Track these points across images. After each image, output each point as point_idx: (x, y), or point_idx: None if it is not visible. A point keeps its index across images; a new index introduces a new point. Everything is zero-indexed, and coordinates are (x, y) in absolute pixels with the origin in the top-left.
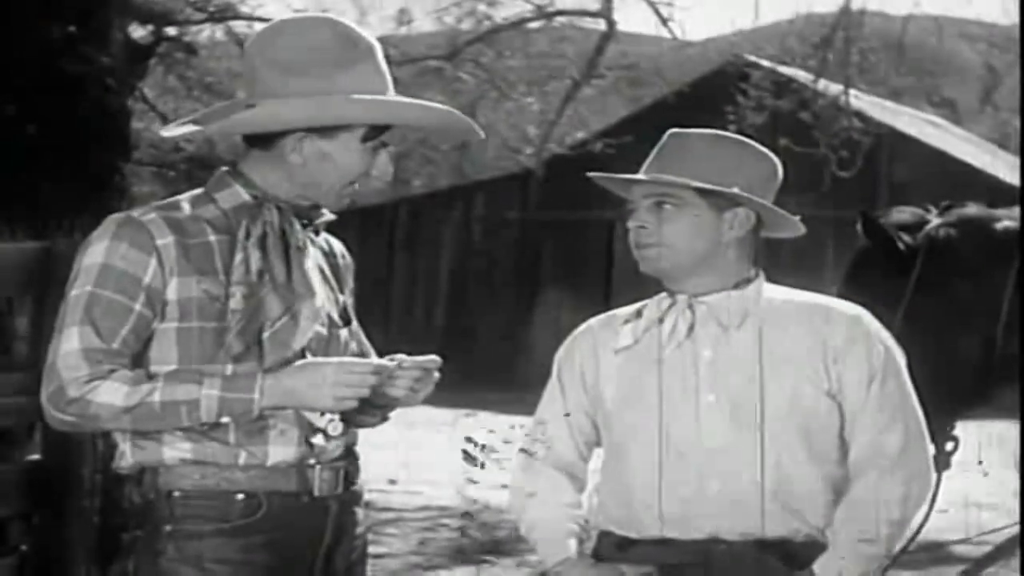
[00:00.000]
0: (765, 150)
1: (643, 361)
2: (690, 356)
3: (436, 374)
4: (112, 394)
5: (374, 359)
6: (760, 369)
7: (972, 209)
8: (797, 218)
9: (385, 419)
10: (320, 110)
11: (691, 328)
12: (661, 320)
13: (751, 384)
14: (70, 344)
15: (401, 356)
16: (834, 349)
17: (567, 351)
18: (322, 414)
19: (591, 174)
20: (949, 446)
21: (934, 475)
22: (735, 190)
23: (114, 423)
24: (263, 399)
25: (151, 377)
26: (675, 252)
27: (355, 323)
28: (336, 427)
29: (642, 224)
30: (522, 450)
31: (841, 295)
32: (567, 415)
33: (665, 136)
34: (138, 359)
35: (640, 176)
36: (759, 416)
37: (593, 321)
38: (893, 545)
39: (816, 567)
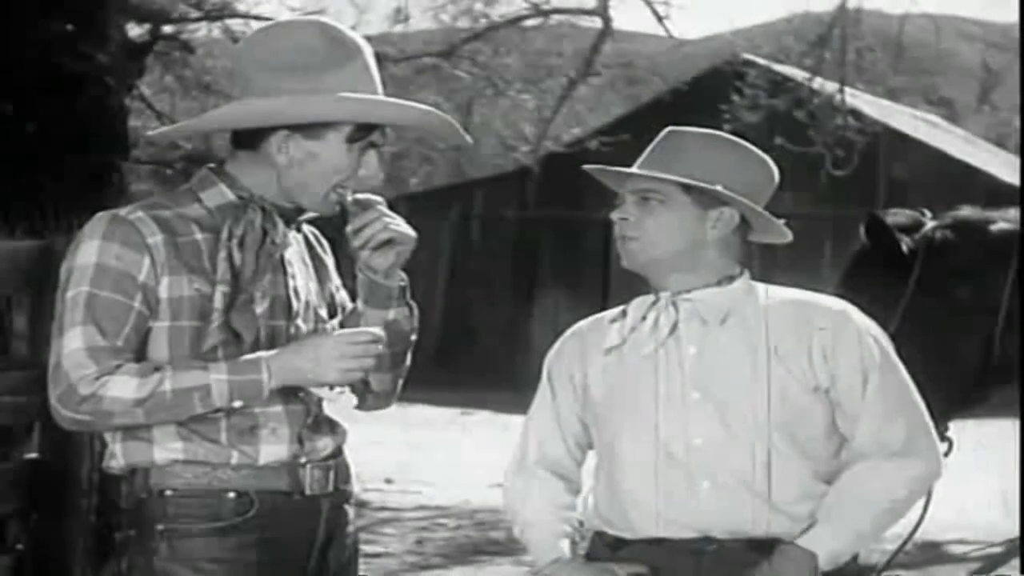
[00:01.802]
0: (762, 154)
1: (630, 360)
2: (675, 354)
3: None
4: (123, 388)
5: (372, 328)
6: (744, 366)
7: (967, 211)
8: (782, 222)
9: (414, 311)
10: (299, 107)
11: (675, 326)
12: (645, 318)
13: (736, 381)
14: (74, 344)
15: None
16: (822, 346)
17: (556, 354)
18: (331, 388)
19: (586, 166)
20: (943, 448)
21: (943, 458)
22: (717, 187)
23: (127, 418)
24: (271, 379)
25: (157, 368)
26: (655, 246)
27: (360, 306)
28: (337, 399)
29: (625, 216)
30: (515, 452)
31: (838, 295)
32: (558, 417)
33: (662, 133)
34: (138, 358)
35: (622, 169)
36: (745, 413)
37: (581, 323)
38: (884, 529)
39: (803, 540)
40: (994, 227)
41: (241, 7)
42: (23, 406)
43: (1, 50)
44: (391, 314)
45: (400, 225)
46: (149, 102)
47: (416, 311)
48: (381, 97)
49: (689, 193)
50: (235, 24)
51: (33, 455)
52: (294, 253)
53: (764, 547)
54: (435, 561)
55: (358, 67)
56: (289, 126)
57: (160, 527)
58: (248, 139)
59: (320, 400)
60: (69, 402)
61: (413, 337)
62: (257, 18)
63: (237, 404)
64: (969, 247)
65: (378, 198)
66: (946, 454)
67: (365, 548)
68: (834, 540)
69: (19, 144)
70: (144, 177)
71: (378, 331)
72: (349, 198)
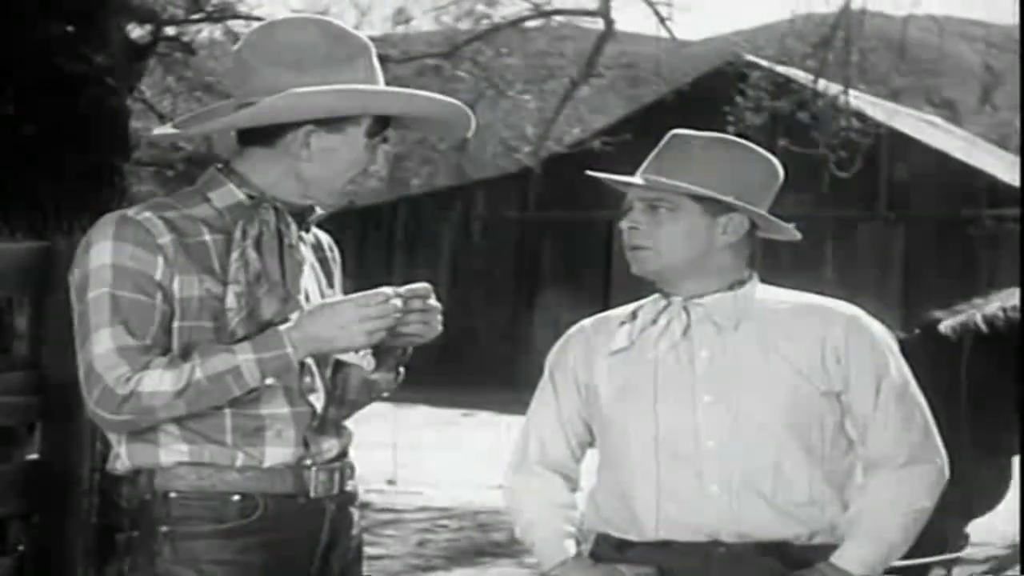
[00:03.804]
0: (766, 154)
1: (639, 362)
2: (686, 357)
3: (433, 300)
4: (159, 382)
5: (383, 289)
6: (756, 370)
7: (931, 314)
8: (791, 225)
9: (400, 375)
10: (340, 100)
11: (686, 329)
12: (656, 321)
13: (748, 385)
14: (104, 345)
15: (389, 289)
16: (834, 350)
17: (559, 352)
18: (357, 351)
19: (590, 172)
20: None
21: (946, 460)
22: (730, 199)
23: (168, 411)
24: (297, 352)
25: (184, 358)
26: (666, 255)
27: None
28: (370, 362)
29: (635, 225)
30: (515, 451)
31: None
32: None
33: (666, 137)
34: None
35: (635, 180)
36: (756, 417)
37: (586, 322)
38: (913, 538)
39: (835, 558)
40: (940, 326)
41: (243, 8)
42: (23, 406)
43: (1, 51)
44: (374, 375)
45: (426, 324)
46: (150, 103)
47: (402, 376)
48: (415, 91)
49: (698, 201)
50: (237, 25)
51: (34, 456)
52: (303, 254)
53: (773, 550)
54: (437, 563)
55: (367, 62)
56: (314, 120)
57: (164, 529)
58: (262, 136)
59: (327, 401)
60: (109, 404)
61: (385, 394)
62: (259, 19)
63: (269, 381)
64: (921, 348)
65: (427, 287)
66: (963, 545)
67: (367, 550)
68: (869, 555)
69: (19, 144)
70: (145, 179)
71: (388, 290)
72: (402, 289)
